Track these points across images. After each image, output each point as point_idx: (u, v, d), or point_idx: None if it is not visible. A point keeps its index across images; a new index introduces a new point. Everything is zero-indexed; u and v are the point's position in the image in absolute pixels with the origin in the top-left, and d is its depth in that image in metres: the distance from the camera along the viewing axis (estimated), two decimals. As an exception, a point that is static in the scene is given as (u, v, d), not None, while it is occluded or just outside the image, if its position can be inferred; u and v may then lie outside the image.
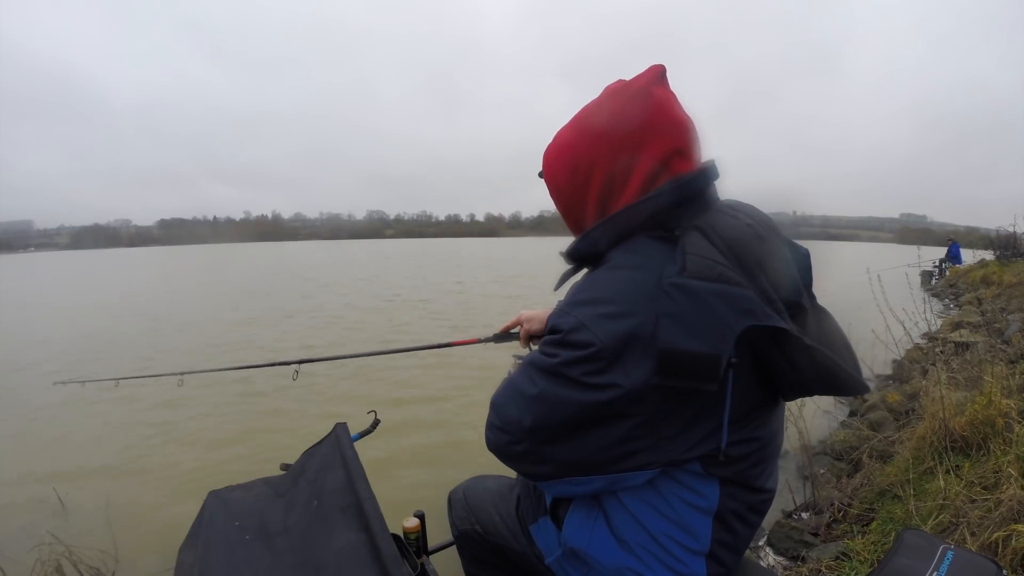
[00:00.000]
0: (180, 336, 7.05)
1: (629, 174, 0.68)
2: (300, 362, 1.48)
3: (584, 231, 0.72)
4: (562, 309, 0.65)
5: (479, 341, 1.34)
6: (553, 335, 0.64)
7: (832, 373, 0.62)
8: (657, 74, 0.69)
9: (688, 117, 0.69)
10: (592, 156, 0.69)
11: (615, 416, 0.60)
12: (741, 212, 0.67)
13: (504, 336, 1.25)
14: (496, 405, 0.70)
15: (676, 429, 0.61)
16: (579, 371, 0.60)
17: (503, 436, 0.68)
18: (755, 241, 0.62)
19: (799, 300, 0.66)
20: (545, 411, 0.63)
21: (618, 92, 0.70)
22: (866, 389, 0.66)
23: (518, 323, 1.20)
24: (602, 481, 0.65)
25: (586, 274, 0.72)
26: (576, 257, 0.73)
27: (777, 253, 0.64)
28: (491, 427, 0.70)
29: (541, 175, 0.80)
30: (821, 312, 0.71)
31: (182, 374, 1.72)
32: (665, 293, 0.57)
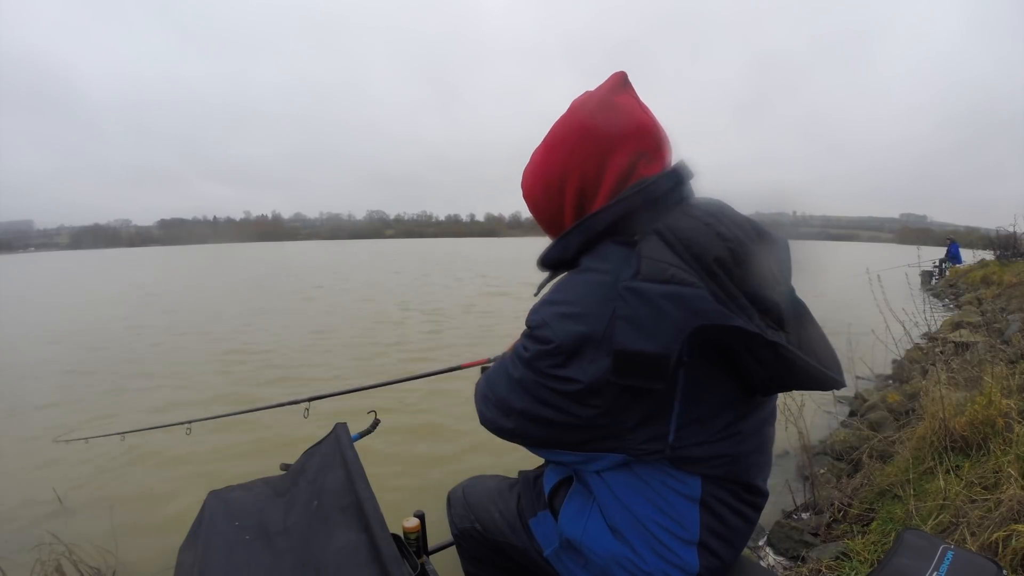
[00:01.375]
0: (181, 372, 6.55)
1: (599, 183, 0.70)
2: (310, 399, 1.49)
3: None
4: (534, 307, 0.69)
5: (489, 361, 1.35)
6: (526, 329, 0.69)
7: (800, 369, 0.63)
8: (618, 82, 0.71)
9: (653, 119, 0.71)
10: (562, 170, 0.72)
11: (578, 405, 0.64)
12: (702, 211, 0.66)
13: None
14: (490, 379, 0.76)
15: (633, 422, 0.64)
16: (545, 364, 0.65)
17: (494, 411, 0.74)
18: (713, 240, 0.61)
19: (767, 294, 0.63)
20: (526, 395, 0.68)
21: (581, 106, 0.72)
22: (840, 385, 0.67)
23: None
24: (575, 456, 0.71)
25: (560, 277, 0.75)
26: (547, 264, 0.77)
27: (737, 250, 0.62)
28: (484, 399, 0.76)
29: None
30: (799, 306, 0.70)
31: (190, 423, 1.73)
32: (620, 296, 0.60)
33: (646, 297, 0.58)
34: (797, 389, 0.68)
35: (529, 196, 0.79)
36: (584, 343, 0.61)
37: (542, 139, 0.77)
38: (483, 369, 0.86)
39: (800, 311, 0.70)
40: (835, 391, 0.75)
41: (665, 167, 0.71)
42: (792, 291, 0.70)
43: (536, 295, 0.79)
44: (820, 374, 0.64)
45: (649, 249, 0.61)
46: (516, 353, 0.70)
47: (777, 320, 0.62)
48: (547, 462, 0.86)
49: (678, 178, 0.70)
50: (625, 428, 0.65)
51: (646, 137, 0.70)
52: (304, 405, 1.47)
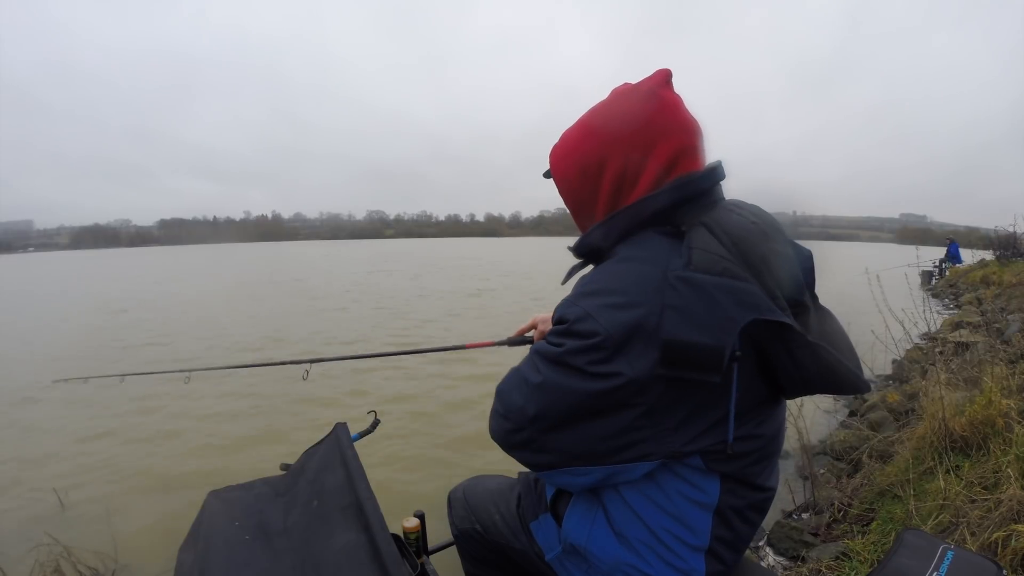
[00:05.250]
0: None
1: (640, 172, 0.69)
2: (311, 361, 1.47)
3: (590, 225, 0.74)
4: (569, 300, 0.66)
5: (494, 344, 1.33)
6: (559, 325, 0.65)
7: (834, 371, 0.63)
8: (664, 78, 0.71)
9: (694, 119, 0.71)
10: (603, 155, 0.71)
11: (617, 406, 0.61)
12: (746, 210, 0.69)
13: (518, 340, 1.25)
14: (501, 393, 0.71)
15: (677, 420, 0.62)
16: (583, 360, 0.61)
17: (506, 424, 0.69)
18: (760, 238, 0.63)
19: (801, 299, 0.67)
20: (549, 400, 0.64)
21: (626, 94, 0.72)
22: (868, 388, 0.67)
23: (533, 326, 1.20)
24: (601, 472, 0.66)
25: (594, 267, 0.73)
26: (584, 251, 0.75)
27: (781, 252, 0.65)
28: (495, 415, 0.72)
29: (546, 175, 0.81)
30: (823, 312, 0.72)
31: (189, 371, 1.69)
32: (670, 286, 0.58)
33: (700, 288, 0.57)
34: (824, 392, 0.67)
35: (562, 178, 0.78)
36: (634, 334, 0.59)
37: (575, 121, 0.76)
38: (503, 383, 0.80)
39: (824, 315, 0.71)
40: None
41: (702, 165, 0.71)
42: (816, 297, 0.72)
43: (564, 283, 0.79)
44: (852, 376, 0.64)
45: (700, 240, 0.61)
46: (540, 355, 0.66)
47: (805, 324, 0.64)
48: None
49: (718, 177, 0.71)
50: (666, 428, 0.62)
51: (690, 134, 0.70)
52: (304, 367, 1.47)
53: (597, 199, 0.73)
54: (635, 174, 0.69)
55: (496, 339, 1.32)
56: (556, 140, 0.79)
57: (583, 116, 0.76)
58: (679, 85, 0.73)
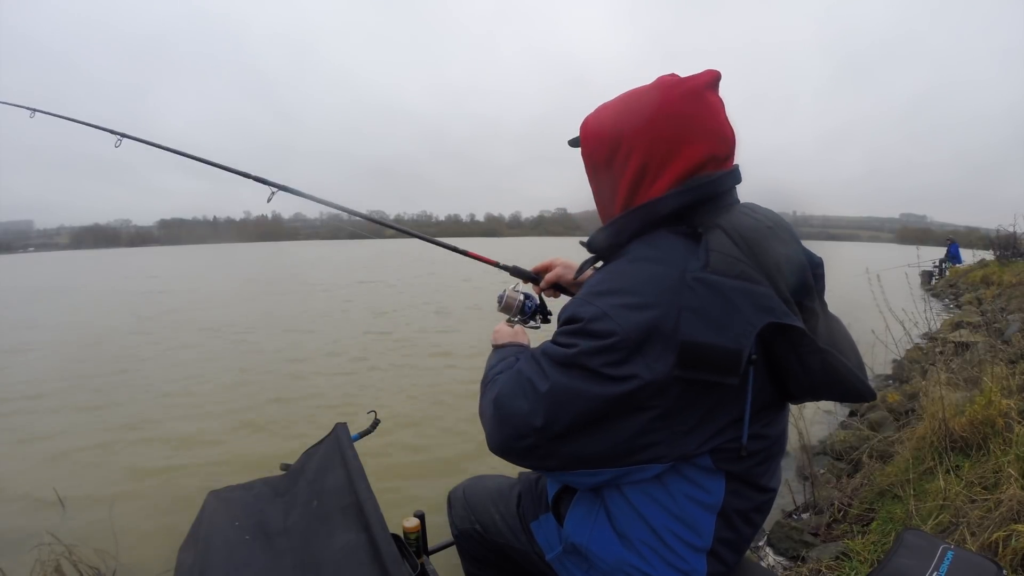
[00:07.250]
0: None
1: (662, 170, 0.68)
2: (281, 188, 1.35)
3: (608, 214, 0.73)
4: (580, 299, 0.64)
5: (498, 265, 1.24)
6: (570, 324, 0.63)
7: (842, 378, 0.63)
8: (712, 79, 0.69)
9: (731, 129, 0.70)
10: (633, 139, 0.69)
11: (632, 409, 0.60)
12: (761, 214, 0.69)
13: (527, 274, 1.14)
14: (500, 399, 0.68)
15: (692, 422, 0.61)
16: (599, 362, 0.59)
17: (507, 430, 0.66)
18: (774, 243, 0.64)
19: (811, 304, 0.67)
20: (558, 406, 0.61)
21: (672, 86, 0.68)
22: (873, 396, 0.67)
23: (550, 267, 1.10)
24: (610, 473, 0.65)
25: (605, 265, 0.72)
26: (597, 246, 0.74)
27: (793, 257, 0.65)
28: (494, 422, 0.68)
29: (572, 143, 0.80)
30: (831, 319, 0.72)
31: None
32: (688, 287, 0.58)
33: (718, 290, 0.57)
34: (830, 399, 0.67)
35: (589, 152, 0.76)
36: (651, 335, 0.57)
37: (619, 95, 0.74)
38: (483, 384, 0.79)
39: (832, 322, 0.71)
40: None
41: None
42: (825, 304, 0.72)
43: (576, 278, 0.79)
44: (859, 384, 0.64)
45: (717, 243, 0.60)
46: (547, 357, 0.63)
47: (814, 329, 0.64)
48: None
49: (734, 180, 0.70)
50: (680, 431, 0.61)
51: (723, 143, 0.68)
52: (270, 189, 1.35)
53: (618, 183, 0.71)
54: (657, 170, 0.68)
55: (502, 262, 1.23)
56: (566, 130, 0.79)
57: (624, 94, 0.73)
58: (699, 68, 0.70)
